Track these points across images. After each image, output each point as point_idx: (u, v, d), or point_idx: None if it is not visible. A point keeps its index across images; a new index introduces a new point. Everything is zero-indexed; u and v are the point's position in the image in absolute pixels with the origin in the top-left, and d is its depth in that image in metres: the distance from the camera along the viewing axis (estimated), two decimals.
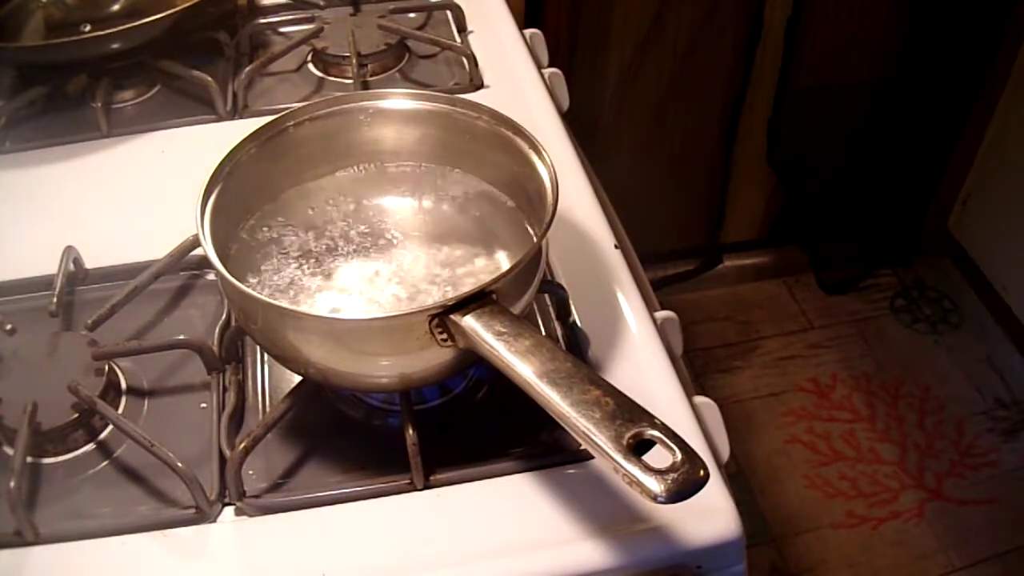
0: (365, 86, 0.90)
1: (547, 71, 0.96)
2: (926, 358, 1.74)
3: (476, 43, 0.96)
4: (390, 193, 0.69)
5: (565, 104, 0.96)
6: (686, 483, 0.43)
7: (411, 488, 0.57)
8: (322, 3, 1.01)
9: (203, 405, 0.62)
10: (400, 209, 0.68)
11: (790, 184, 1.76)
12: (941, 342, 1.77)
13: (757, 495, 1.53)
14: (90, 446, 0.60)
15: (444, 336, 0.52)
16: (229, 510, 0.57)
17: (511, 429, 0.61)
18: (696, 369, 1.72)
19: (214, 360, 0.63)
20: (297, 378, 0.61)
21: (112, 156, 0.84)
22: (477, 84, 0.91)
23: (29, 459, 0.58)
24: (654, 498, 0.43)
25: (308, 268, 0.63)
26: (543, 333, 0.61)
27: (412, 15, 1.02)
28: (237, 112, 0.88)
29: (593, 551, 0.54)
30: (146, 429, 0.57)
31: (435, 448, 0.58)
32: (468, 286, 0.56)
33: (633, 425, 0.45)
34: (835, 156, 1.73)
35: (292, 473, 0.59)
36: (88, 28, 0.91)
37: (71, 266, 0.70)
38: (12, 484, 0.54)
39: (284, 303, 0.59)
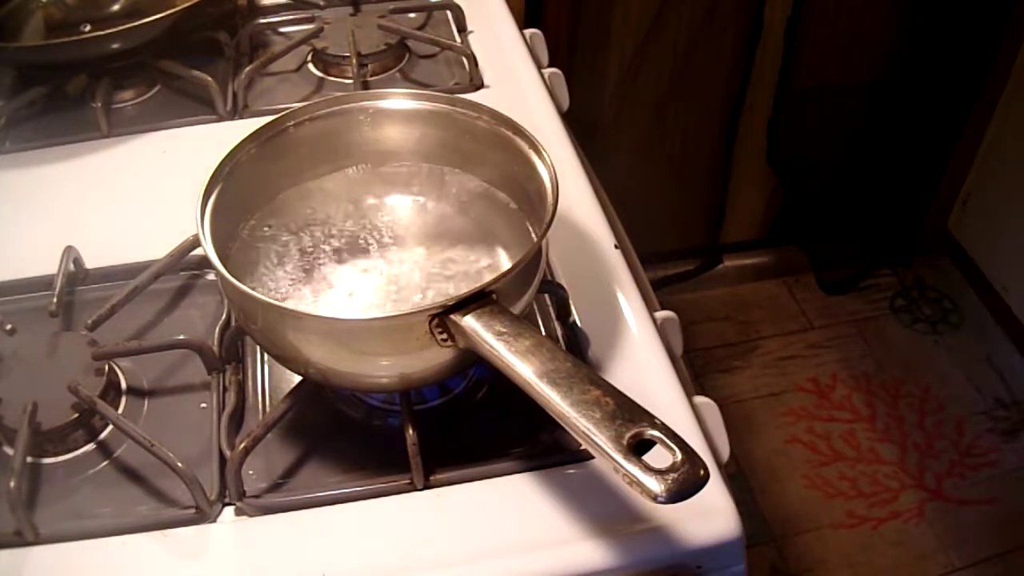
0: (365, 86, 0.90)
1: (547, 71, 0.96)
2: (926, 358, 1.74)
3: (476, 43, 0.96)
4: (390, 193, 0.69)
5: (565, 104, 0.96)
6: (686, 483, 0.43)
7: (411, 488, 0.57)
8: (322, 3, 1.01)
9: (203, 405, 0.62)
10: (400, 209, 0.68)
11: (790, 184, 1.76)
12: (941, 342, 1.77)
13: (757, 495, 1.53)
14: (90, 446, 0.60)
15: (444, 336, 0.52)
16: (229, 510, 0.57)
17: (511, 429, 0.61)
18: (696, 369, 1.72)
19: (214, 360, 0.63)
20: (297, 378, 0.61)
21: (112, 156, 0.84)
22: (477, 84, 0.91)
23: (29, 459, 0.58)
24: (654, 498, 0.43)
25: (308, 268, 0.63)
26: (543, 333, 0.61)
27: (412, 15, 1.02)
28: (237, 112, 0.88)
29: (593, 551, 0.54)
30: (146, 429, 0.57)
31: (435, 448, 0.58)
32: (468, 286, 0.56)
33: (633, 425, 0.45)
34: (835, 156, 1.73)
35: (292, 473, 0.59)
36: (88, 28, 0.91)
37: (71, 266, 0.70)
38: (12, 484, 0.54)
39: (284, 303, 0.59)
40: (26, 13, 0.95)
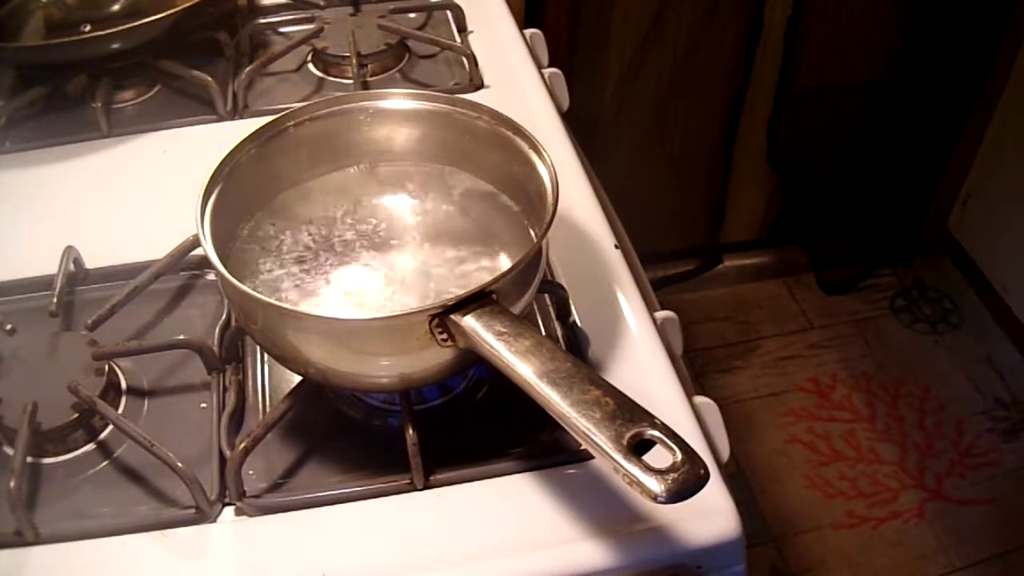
0: (365, 86, 0.90)
1: (547, 71, 0.96)
2: (926, 358, 1.74)
3: (476, 43, 0.96)
4: (390, 193, 0.69)
5: (565, 104, 0.96)
6: (686, 483, 0.43)
7: (411, 488, 0.57)
8: (322, 3, 1.01)
9: (203, 405, 0.62)
10: (400, 209, 0.68)
11: (790, 184, 1.76)
12: (941, 342, 1.77)
13: (757, 495, 1.53)
14: (90, 446, 0.60)
15: (444, 336, 0.52)
16: (229, 510, 0.57)
17: (511, 429, 0.61)
18: (696, 369, 1.72)
19: (214, 360, 0.63)
20: (297, 378, 0.61)
21: (112, 156, 0.84)
22: (477, 84, 0.91)
23: (29, 459, 0.58)
24: (654, 498, 0.43)
25: (308, 268, 0.63)
26: (543, 333, 0.61)
27: (412, 15, 1.01)
28: (237, 112, 0.88)
29: (593, 551, 0.54)
30: (146, 429, 0.57)
31: (435, 448, 0.58)
32: (468, 286, 0.56)
33: (633, 425, 0.45)
34: (835, 156, 1.73)
35: (292, 473, 0.59)
36: (88, 28, 0.91)
37: (71, 266, 0.70)
38: (12, 484, 0.54)
39: (284, 303, 0.59)
40: (26, 13, 0.95)
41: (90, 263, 0.72)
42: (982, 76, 1.62)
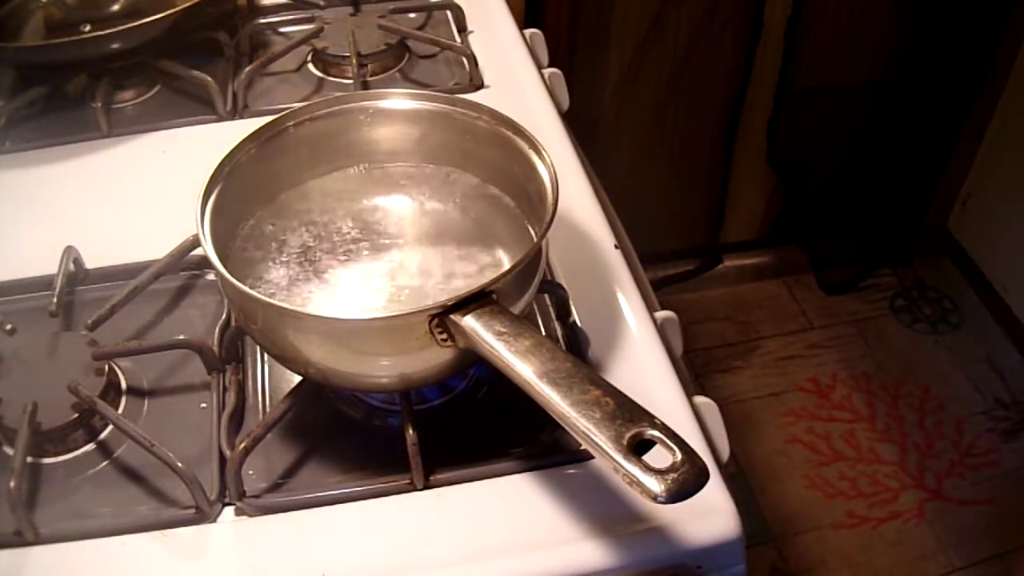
0: (365, 86, 0.90)
1: (547, 71, 0.96)
2: (926, 358, 1.74)
3: (476, 43, 0.97)
4: (390, 193, 0.69)
5: (565, 104, 0.96)
6: (686, 483, 0.43)
7: (411, 488, 0.57)
8: (322, 3, 1.01)
9: (203, 405, 0.62)
10: (400, 209, 0.68)
11: (790, 184, 1.76)
12: (941, 342, 1.77)
13: (757, 495, 1.53)
14: (90, 446, 0.60)
15: (444, 336, 0.52)
16: (229, 510, 0.57)
17: (511, 429, 0.61)
18: (696, 369, 1.72)
19: (214, 360, 0.63)
20: (297, 378, 0.61)
21: (112, 156, 0.84)
22: (477, 84, 0.91)
23: (29, 459, 0.58)
24: (654, 498, 0.43)
25: (308, 268, 0.63)
26: (543, 333, 0.61)
27: (412, 15, 1.01)
28: (237, 112, 0.88)
29: (593, 551, 0.54)
30: (146, 429, 0.57)
31: (435, 448, 0.58)
32: (468, 286, 0.56)
33: (633, 425, 0.45)
34: (835, 156, 1.73)
35: (292, 473, 0.59)
36: (88, 28, 0.91)
37: (71, 266, 0.70)
38: (12, 484, 0.54)
39: (284, 303, 0.59)
40: (26, 13, 0.95)
41: (90, 263, 0.72)
42: (982, 76, 1.62)
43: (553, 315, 0.68)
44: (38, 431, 0.58)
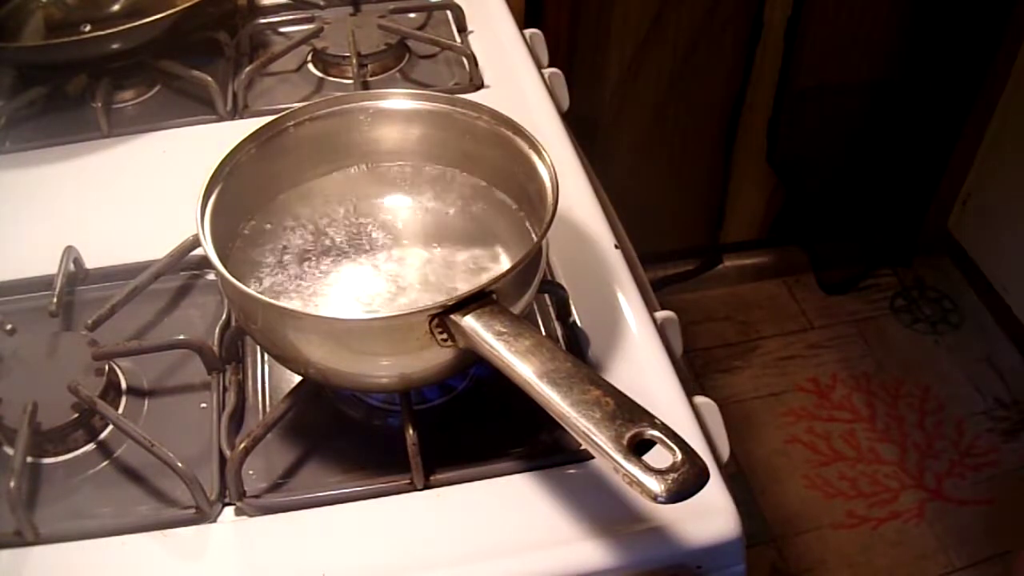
0: (365, 86, 0.90)
1: (547, 71, 0.96)
2: (926, 358, 1.74)
3: (476, 43, 0.96)
4: (390, 193, 0.69)
5: (565, 104, 0.96)
6: (686, 483, 0.43)
7: (411, 488, 0.57)
8: (322, 3, 1.01)
9: (203, 405, 0.62)
10: (400, 209, 0.68)
11: (790, 184, 1.76)
12: (941, 342, 1.77)
13: (757, 495, 1.53)
14: (90, 446, 0.60)
15: (444, 336, 0.52)
16: (229, 510, 0.57)
17: (511, 429, 0.61)
18: (696, 369, 1.72)
19: (214, 360, 0.63)
20: (297, 378, 0.61)
21: (112, 156, 0.84)
22: (477, 84, 0.91)
23: (29, 459, 0.58)
24: (654, 498, 0.43)
25: (308, 268, 0.63)
26: (543, 333, 0.61)
27: (412, 15, 1.01)
28: (237, 112, 0.88)
29: (593, 551, 0.54)
30: (146, 429, 0.57)
31: (435, 448, 0.58)
32: (468, 286, 0.56)
33: (633, 425, 0.45)
34: (835, 156, 1.73)
35: (292, 473, 0.59)
36: (88, 28, 0.91)
37: (71, 266, 0.70)
38: (12, 484, 0.54)
39: (284, 303, 0.59)
40: (26, 13, 0.95)
41: (90, 263, 0.72)
42: (982, 76, 1.62)
43: (553, 315, 0.68)
44: (38, 431, 0.58)
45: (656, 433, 0.45)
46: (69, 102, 0.91)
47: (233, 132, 0.65)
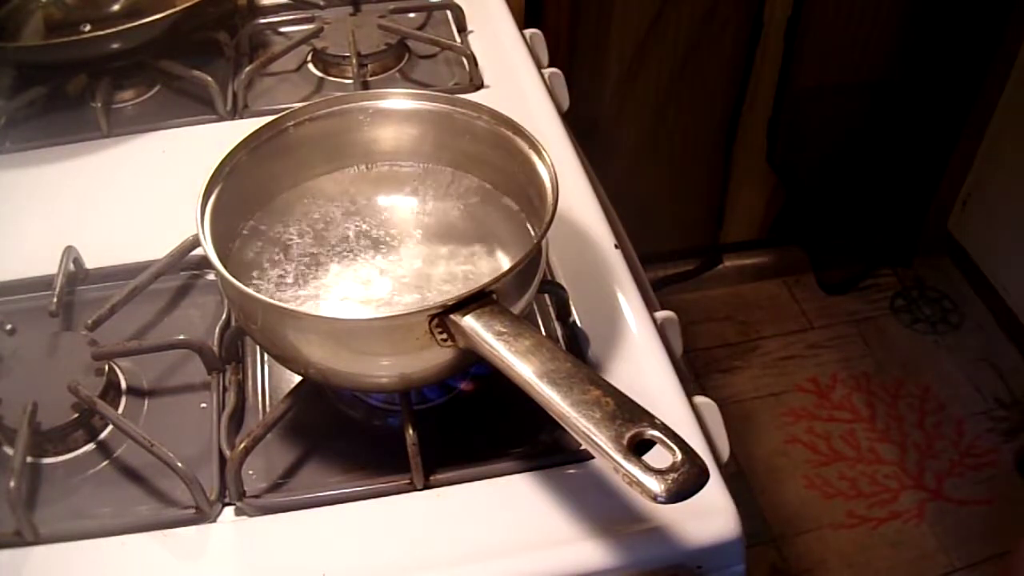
0: (365, 86, 0.90)
1: (547, 71, 0.96)
2: (926, 358, 1.74)
3: (476, 43, 0.97)
4: (390, 193, 0.69)
5: (565, 104, 0.96)
6: (686, 483, 0.43)
7: (411, 488, 0.57)
8: (322, 3, 1.01)
9: (203, 405, 0.62)
10: (400, 209, 0.68)
11: (790, 184, 1.76)
12: (941, 342, 1.77)
13: (757, 495, 1.53)
14: (90, 446, 0.60)
15: (444, 336, 0.52)
16: (229, 510, 0.57)
17: (511, 429, 0.61)
18: (696, 369, 1.72)
19: (214, 360, 0.63)
20: (297, 378, 0.61)
21: (112, 156, 0.84)
22: (477, 84, 0.91)
23: (29, 459, 0.58)
24: (654, 498, 0.43)
25: (308, 268, 0.63)
26: (543, 333, 0.61)
27: (412, 15, 1.02)
28: (237, 112, 0.88)
29: (593, 551, 0.54)
30: (146, 429, 0.57)
31: (435, 448, 0.58)
32: (468, 286, 0.56)
33: (633, 425, 0.45)
34: (835, 156, 1.73)
35: (292, 473, 0.59)
36: (88, 28, 0.91)
37: (71, 266, 0.70)
38: (12, 484, 0.54)
39: (284, 303, 0.59)
40: (26, 13, 0.95)
41: (90, 263, 0.72)
42: (982, 76, 1.62)
43: (553, 315, 0.68)
44: (38, 431, 0.58)
45: (656, 433, 0.45)
46: (69, 102, 0.91)
47: (233, 132, 0.65)
